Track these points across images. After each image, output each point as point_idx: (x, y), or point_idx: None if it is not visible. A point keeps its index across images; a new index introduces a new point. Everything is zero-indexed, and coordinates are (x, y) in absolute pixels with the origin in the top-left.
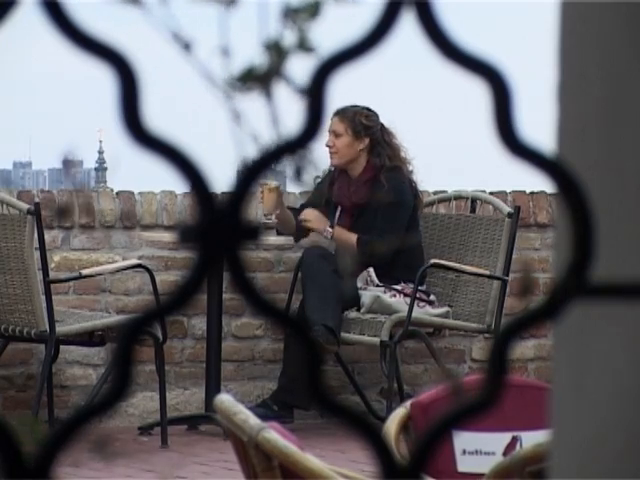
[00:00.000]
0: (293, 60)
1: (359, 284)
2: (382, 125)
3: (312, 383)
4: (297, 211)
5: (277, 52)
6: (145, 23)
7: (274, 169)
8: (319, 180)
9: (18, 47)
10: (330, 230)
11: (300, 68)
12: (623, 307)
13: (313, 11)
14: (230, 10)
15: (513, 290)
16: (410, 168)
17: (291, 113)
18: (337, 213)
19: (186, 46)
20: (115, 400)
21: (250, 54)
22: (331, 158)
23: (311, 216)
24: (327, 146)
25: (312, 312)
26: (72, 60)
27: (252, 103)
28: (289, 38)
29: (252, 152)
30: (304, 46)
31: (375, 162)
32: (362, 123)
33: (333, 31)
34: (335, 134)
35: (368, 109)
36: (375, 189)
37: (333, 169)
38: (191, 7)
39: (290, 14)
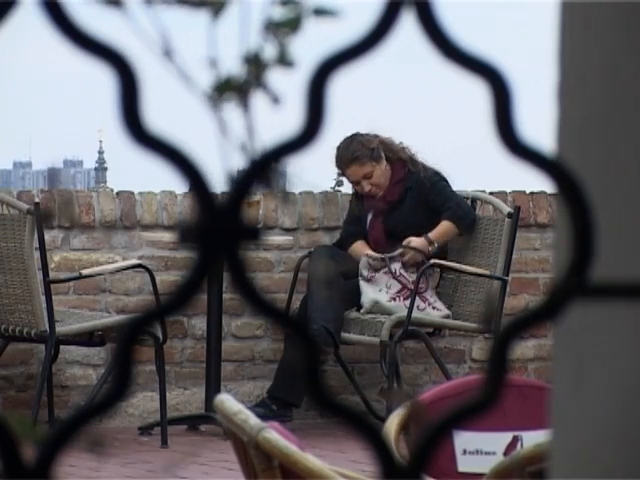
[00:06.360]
0: (272, 73)
1: (364, 273)
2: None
3: (311, 383)
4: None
5: (256, 64)
6: (125, 26)
7: (274, 170)
8: (351, 198)
9: (18, 47)
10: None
11: (279, 80)
12: (623, 307)
13: (294, 25)
14: (216, 20)
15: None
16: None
17: (269, 125)
18: (369, 218)
19: (167, 52)
20: (115, 400)
21: (230, 65)
22: (375, 196)
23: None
24: (367, 193)
25: (315, 311)
26: (72, 60)
27: (232, 113)
28: (269, 51)
29: (238, 162)
30: (284, 60)
31: (394, 160)
32: (372, 149)
33: (314, 46)
34: (366, 177)
35: (357, 135)
36: (409, 181)
37: None
38: (174, 14)
39: (271, 27)
